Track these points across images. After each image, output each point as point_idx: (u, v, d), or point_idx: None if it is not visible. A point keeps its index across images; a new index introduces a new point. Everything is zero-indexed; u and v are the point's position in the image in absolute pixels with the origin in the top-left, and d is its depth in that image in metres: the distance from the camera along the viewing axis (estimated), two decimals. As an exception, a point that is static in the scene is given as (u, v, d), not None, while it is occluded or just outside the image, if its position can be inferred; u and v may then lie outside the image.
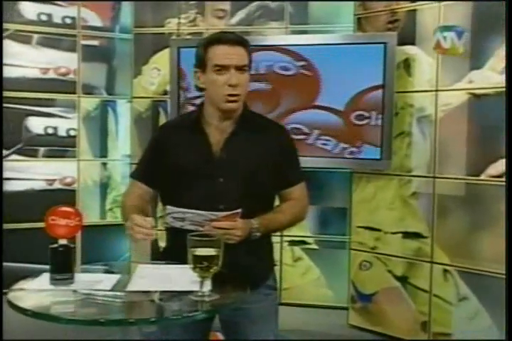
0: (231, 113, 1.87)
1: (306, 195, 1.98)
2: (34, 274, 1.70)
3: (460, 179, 2.98)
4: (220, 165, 1.85)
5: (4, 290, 1.64)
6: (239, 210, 1.72)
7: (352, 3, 3.42)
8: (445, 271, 3.04)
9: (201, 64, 1.85)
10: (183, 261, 1.58)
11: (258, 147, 1.88)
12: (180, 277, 1.63)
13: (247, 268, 1.80)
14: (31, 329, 2.23)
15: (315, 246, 3.73)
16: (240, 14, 3.77)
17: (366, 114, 3.26)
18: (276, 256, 3.69)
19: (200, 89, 1.90)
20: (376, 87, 3.18)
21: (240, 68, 1.82)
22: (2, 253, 3.61)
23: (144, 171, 1.98)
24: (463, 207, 2.98)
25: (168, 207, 1.78)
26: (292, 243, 3.75)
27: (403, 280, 3.22)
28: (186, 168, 1.86)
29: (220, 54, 1.81)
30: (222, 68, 1.81)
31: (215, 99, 1.85)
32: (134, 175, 2.02)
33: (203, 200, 1.80)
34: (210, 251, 1.53)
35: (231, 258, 1.65)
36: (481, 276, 2.89)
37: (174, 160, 1.88)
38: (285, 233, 3.68)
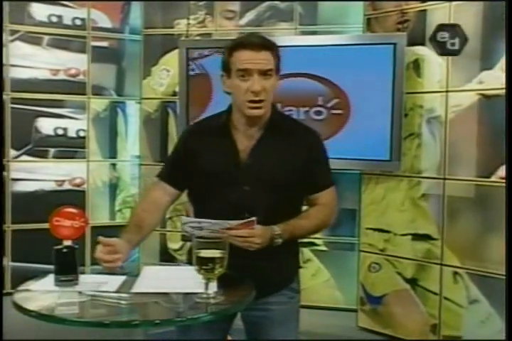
0: (256, 119, 1.84)
1: (335, 200, 1.94)
2: (40, 275, 1.71)
3: (470, 181, 2.95)
4: (247, 172, 1.82)
5: (10, 291, 1.64)
6: (253, 218, 1.70)
7: (361, 3, 3.41)
8: (455, 273, 3.01)
9: (226, 68, 1.83)
10: None
11: (286, 153, 1.85)
12: (186, 279, 1.62)
13: (272, 270, 1.82)
14: (31, 330, 2.23)
15: (324, 248, 3.71)
16: (249, 15, 3.76)
17: None
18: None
19: (229, 93, 1.87)
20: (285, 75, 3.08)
21: (264, 73, 1.78)
22: (2, 254, 3.63)
23: (170, 172, 1.96)
24: (473, 209, 2.95)
25: (183, 217, 1.78)
26: (301, 244, 3.72)
27: (413, 282, 3.20)
28: (213, 174, 1.84)
29: (243, 59, 1.77)
30: (245, 73, 1.77)
31: (239, 105, 1.83)
32: (159, 175, 1.98)
33: (229, 208, 1.79)
34: (214, 253, 1.53)
35: (257, 260, 1.68)
36: (492, 279, 2.86)
37: (201, 164, 1.87)
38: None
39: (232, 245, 1.62)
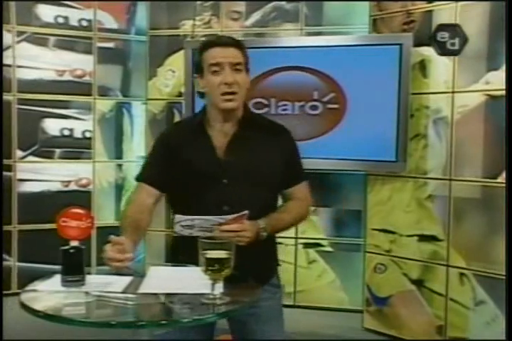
0: (231, 113, 1.90)
1: (309, 194, 2.02)
2: (47, 275, 1.71)
3: (476, 181, 2.94)
4: (224, 167, 1.87)
5: (17, 291, 1.64)
6: (246, 212, 1.74)
7: (367, 4, 3.40)
8: (461, 274, 3.01)
9: (199, 68, 1.90)
10: (185, 261, 1.69)
11: (261, 148, 1.92)
12: (192, 279, 1.62)
13: (253, 267, 1.79)
14: (36, 330, 2.24)
15: (330, 249, 3.71)
16: (255, 16, 3.77)
17: (265, 102, 3.18)
18: (291, 258, 3.70)
19: (202, 96, 1.94)
20: (280, 69, 3.03)
21: (235, 66, 1.86)
22: (2, 254, 3.64)
23: (151, 173, 1.97)
24: (479, 210, 2.94)
25: (177, 215, 1.79)
26: (307, 245, 3.73)
27: (419, 283, 3.19)
28: (191, 171, 1.88)
29: (214, 55, 1.86)
30: (217, 67, 1.85)
31: (214, 100, 1.88)
32: (139, 178, 1.98)
33: (208, 202, 1.84)
34: (221, 254, 1.53)
35: (237, 258, 1.66)
36: (498, 280, 2.85)
37: (179, 163, 1.90)
38: (300, 235, 3.67)
39: None
